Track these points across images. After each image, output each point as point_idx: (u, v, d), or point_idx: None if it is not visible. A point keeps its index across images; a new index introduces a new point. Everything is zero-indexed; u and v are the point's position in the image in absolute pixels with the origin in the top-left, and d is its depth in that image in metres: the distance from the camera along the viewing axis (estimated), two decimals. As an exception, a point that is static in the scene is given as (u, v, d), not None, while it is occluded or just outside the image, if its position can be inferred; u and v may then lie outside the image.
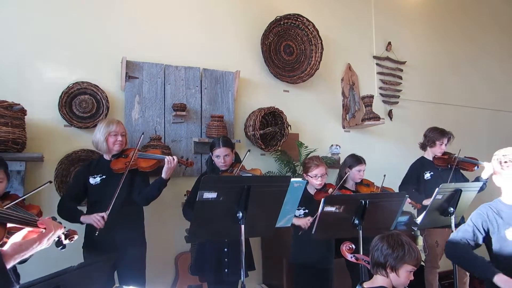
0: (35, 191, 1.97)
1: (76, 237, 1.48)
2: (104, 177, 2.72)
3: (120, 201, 2.58)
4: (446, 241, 2.22)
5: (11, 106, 2.76)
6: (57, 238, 1.32)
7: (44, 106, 3.17)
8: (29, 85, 3.17)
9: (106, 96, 3.34)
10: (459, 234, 2.17)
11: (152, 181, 2.82)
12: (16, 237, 1.19)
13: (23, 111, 2.86)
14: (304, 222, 2.85)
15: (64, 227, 1.39)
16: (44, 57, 3.24)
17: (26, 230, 1.22)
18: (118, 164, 2.71)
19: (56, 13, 3.30)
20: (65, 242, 1.41)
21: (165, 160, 2.67)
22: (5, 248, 1.14)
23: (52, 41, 3.27)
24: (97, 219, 2.49)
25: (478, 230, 2.12)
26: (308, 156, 3.42)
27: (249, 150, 2.94)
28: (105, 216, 2.51)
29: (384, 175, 3.16)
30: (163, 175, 2.68)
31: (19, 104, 2.80)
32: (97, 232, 2.48)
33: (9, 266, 1.12)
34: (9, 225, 1.19)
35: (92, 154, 3.23)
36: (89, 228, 2.72)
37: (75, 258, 2.31)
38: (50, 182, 2.09)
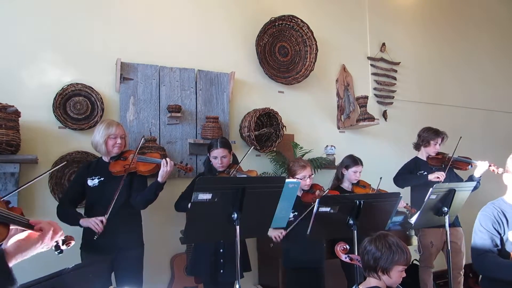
0: (48, 172, 1.91)
1: (73, 242, 1.51)
2: (102, 179, 2.71)
3: (118, 204, 2.58)
4: (472, 259, 2.13)
5: (5, 108, 2.75)
6: (55, 243, 1.35)
7: (38, 108, 3.16)
8: (23, 86, 3.16)
9: (101, 98, 3.33)
10: (478, 244, 2.10)
11: (149, 183, 2.82)
12: (18, 237, 1.20)
13: (17, 113, 2.85)
14: (276, 234, 2.83)
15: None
16: (38, 59, 3.23)
17: (27, 232, 1.23)
18: (117, 166, 2.70)
19: (50, 14, 3.29)
20: (63, 247, 1.43)
21: (161, 163, 2.67)
22: (7, 246, 1.16)
23: (46, 43, 3.26)
24: (95, 223, 2.49)
25: (493, 234, 2.09)
26: (298, 158, 3.43)
27: (252, 147, 2.96)
28: (104, 220, 2.51)
29: (380, 178, 3.18)
30: (159, 179, 2.67)
31: (13, 106, 2.79)
32: (95, 236, 2.48)
33: (11, 265, 1.13)
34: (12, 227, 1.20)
35: (87, 156, 3.22)
36: (87, 229, 2.71)
37: (72, 260, 2.31)
38: (67, 161, 2.01)
